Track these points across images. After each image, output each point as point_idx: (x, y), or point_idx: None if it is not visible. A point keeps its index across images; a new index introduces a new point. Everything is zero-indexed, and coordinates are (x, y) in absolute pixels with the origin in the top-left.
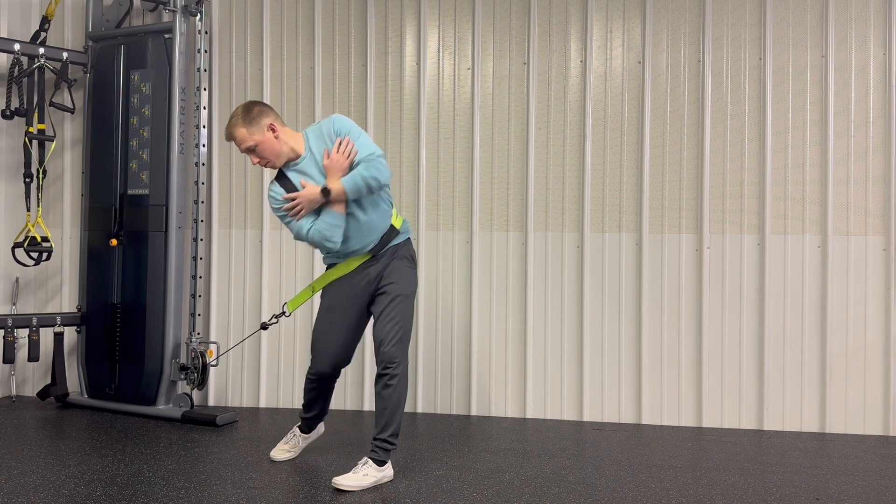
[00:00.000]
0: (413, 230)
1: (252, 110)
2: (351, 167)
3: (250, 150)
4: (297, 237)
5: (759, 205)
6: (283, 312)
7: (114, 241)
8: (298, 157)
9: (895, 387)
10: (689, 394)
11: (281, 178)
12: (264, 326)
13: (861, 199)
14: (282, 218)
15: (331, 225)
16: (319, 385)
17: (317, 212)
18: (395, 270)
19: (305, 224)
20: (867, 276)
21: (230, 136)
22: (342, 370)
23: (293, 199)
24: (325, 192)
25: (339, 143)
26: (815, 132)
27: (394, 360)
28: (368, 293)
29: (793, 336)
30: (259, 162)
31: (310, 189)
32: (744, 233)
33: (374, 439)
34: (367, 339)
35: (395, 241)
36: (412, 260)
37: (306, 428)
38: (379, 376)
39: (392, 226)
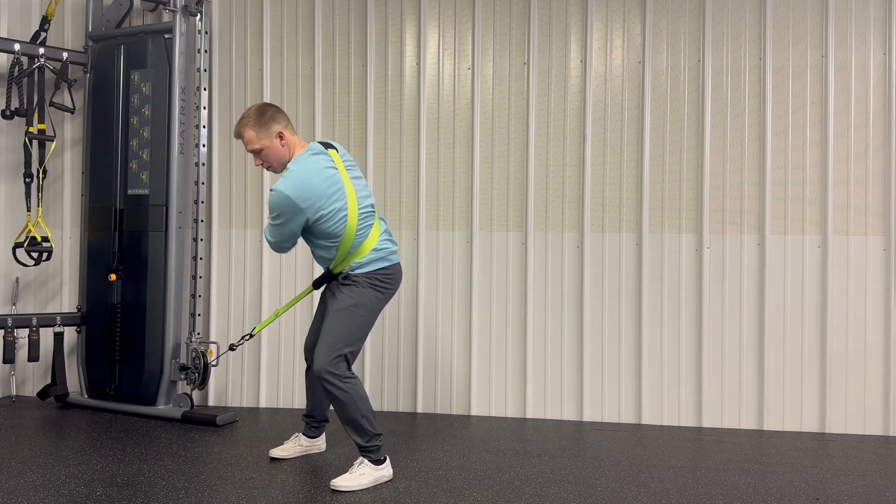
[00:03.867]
0: (407, 229)
1: (265, 114)
2: None
3: (255, 153)
4: None
5: (759, 205)
6: (251, 334)
7: (112, 277)
8: None
9: (895, 387)
10: (689, 394)
11: None
12: (232, 348)
13: (861, 199)
14: None
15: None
16: (307, 369)
17: None
18: (332, 294)
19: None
20: (867, 276)
21: (238, 135)
22: None
23: None
24: None
25: None
26: (815, 132)
27: (320, 371)
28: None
29: (793, 336)
30: (262, 164)
31: None
32: (744, 233)
33: (357, 446)
34: (366, 343)
35: (340, 273)
36: (352, 284)
37: (307, 430)
38: None
39: (332, 264)
